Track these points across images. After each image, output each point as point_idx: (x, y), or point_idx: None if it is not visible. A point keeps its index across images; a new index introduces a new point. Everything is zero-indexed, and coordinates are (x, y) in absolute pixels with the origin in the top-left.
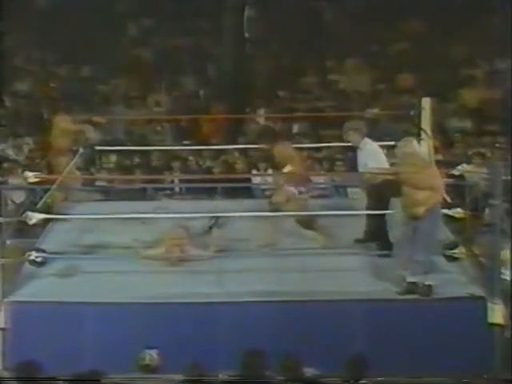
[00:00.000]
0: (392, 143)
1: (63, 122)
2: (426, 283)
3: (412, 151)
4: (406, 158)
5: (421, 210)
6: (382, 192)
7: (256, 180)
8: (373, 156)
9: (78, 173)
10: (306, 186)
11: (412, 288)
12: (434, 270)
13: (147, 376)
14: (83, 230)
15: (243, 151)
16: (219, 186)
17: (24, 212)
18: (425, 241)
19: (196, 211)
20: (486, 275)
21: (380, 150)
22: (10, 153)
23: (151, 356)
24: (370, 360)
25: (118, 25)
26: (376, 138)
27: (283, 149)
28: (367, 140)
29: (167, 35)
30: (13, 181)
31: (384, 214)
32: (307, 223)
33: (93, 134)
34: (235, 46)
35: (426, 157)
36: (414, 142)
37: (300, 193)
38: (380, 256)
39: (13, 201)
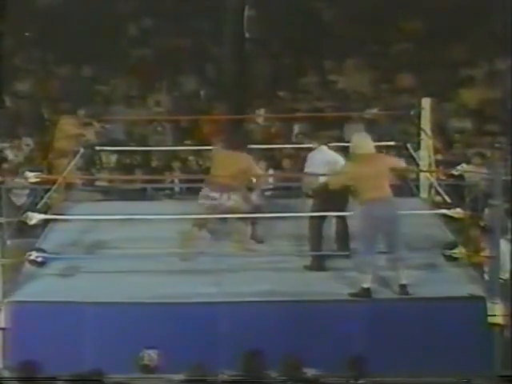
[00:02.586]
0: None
1: (67, 125)
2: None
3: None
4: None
5: None
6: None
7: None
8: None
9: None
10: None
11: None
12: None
13: (147, 376)
14: (83, 230)
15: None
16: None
17: (24, 212)
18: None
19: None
20: (485, 275)
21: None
22: (9, 153)
23: (150, 356)
24: (369, 360)
25: (118, 25)
26: (375, 138)
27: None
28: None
29: (167, 35)
30: (13, 183)
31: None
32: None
33: (93, 135)
34: (235, 46)
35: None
36: (359, 139)
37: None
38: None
39: (13, 202)
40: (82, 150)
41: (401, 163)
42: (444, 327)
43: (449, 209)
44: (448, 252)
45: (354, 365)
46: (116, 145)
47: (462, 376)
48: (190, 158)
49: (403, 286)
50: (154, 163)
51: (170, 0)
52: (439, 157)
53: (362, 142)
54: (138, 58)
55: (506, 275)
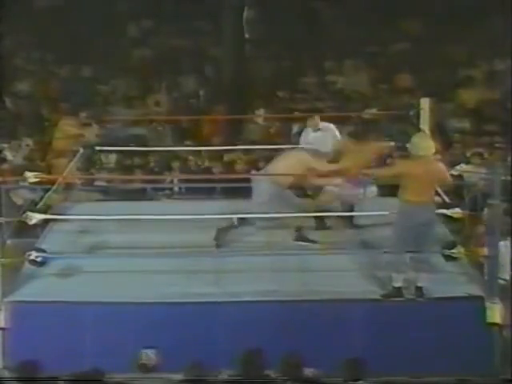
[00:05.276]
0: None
1: (67, 125)
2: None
3: None
4: None
5: None
6: None
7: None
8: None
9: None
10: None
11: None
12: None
13: (147, 376)
14: (83, 230)
15: (243, 151)
16: (219, 185)
17: (24, 212)
18: None
19: (196, 212)
20: (484, 275)
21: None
22: (8, 154)
23: (148, 355)
24: (369, 360)
25: (118, 25)
26: (374, 138)
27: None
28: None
29: (167, 36)
30: (12, 183)
31: None
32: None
33: (93, 135)
34: (235, 46)
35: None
36: (423, 141)
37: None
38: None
39: (13, 202)
40: (81, 150)
41: (449, 177)
42: (443, 327)
43: (448, 209)
44: (447, 252)
45: (354, 365)
46: (116, 145)
47: (462, 376)
48: (190, 157)
49: (419, 288)
50: (154, 163)
51: (170, 0)
52: (438, 157)
53: (425, 144)
54: (138, 59)
55: (506, 275)
